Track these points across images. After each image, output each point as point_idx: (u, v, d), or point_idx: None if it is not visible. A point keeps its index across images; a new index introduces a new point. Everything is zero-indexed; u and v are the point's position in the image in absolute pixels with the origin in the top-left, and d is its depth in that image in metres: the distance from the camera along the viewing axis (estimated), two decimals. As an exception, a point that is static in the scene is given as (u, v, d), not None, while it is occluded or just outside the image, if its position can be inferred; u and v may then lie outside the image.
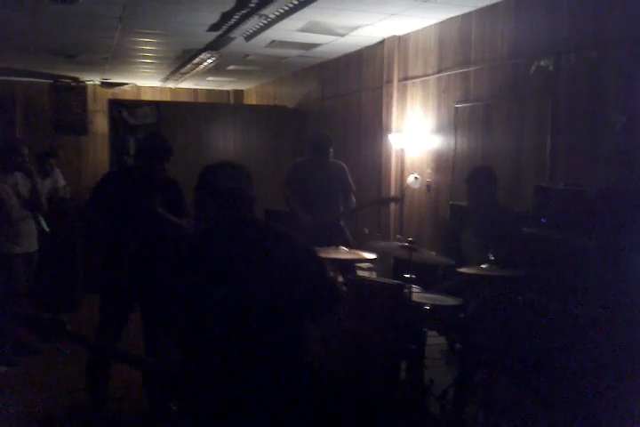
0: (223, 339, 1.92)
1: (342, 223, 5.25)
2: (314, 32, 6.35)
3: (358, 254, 4.17)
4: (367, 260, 4.43)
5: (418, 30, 6.18)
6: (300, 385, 2.00)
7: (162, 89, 11.60)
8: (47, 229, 5.02)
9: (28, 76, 10.19)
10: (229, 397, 1.90)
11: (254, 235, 2.01)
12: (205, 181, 2.07)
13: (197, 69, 8.67)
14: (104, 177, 4.03)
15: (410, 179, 6.15)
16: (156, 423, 3.59)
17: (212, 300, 1.90)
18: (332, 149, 5.15)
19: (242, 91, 12.27)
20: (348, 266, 4.76)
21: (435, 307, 3.59)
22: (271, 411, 1.92)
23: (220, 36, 6.56)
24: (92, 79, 10.77)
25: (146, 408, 3.75)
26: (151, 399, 3.73)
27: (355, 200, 5.30)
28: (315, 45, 7.13)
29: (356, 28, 6.13)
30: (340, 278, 4.25)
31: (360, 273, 5.53)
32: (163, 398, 3.75)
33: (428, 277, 4.29)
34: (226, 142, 9.16)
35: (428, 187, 6.08)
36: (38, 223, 4.84)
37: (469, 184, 4.05)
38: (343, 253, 4.08)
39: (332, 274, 2.23)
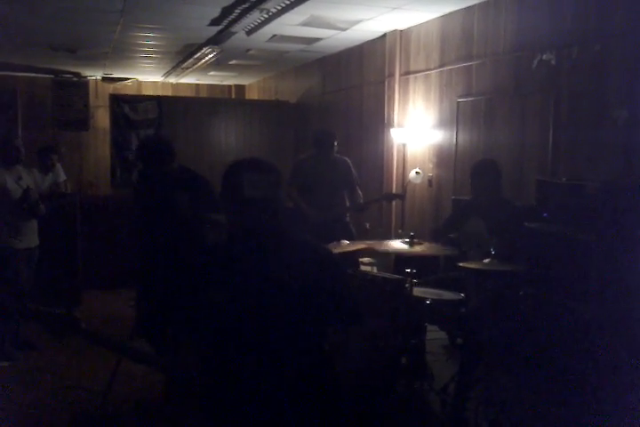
0: (237, 348, 1.91)
1: (348, 219, 5.24)
2: (315, 26, 6.32)
3: (359, 246, 4.14)
4: (368, 253, 4.40)
5: (420, 24, 6.15)
6: (316, 392, 1.99)
7: (163, 84, 11.57)
8: None
9: (30, 72, 10.17)
10: (244, 399, 1.90)
11: (271, 245, 1.94)
12: (226, 185, 1.94)
13: (199, 64, 8.65)
14: (133, 192, 4.11)
15: (411, 174, 6.13)
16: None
17: (225, 311, 1.89)
18: (336, 143, 5.13)
19: (243, 86, 12.24)
20: (351, 261, 4.75)
21: (436, 302, 3.58)
22: (281, 411, 1.92)
23: (222, 30, 6.54)
24: (94, 74, 10.75)
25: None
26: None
27: (361, 194, 5.28)
28: (316, 40, 7.10)
29: (357, 22, 6.11)
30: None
31: (361, 268, 5.52)
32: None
33: (430, 272, 4.28)
34: (227, 137, 9.15)
35: (430, 182, 6.06)
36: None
37: (473, 177, 4.01)
38: (346, 246, 4.06)
39: (353, 291, 2.16)
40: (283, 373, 1.91)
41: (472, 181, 4.03)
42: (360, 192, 5.25)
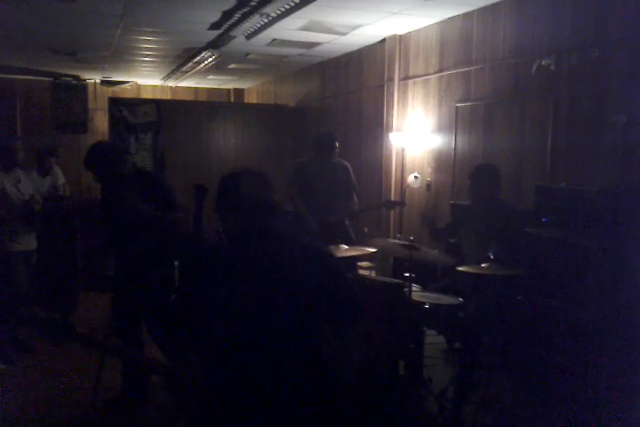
0: (239, 348, 1.93)
1: (347, 223, 5.24)
2: (315, 31, 6.34)
3: (359, 250, 4.15)
4: (368, 256, 4.40)
5: (419, 29, 6.17)
6: (315, 392, 2.00)
7: (162, 87, 11.58)
8: None
9: (29, 74, 10.17)
10: (244, 401, 1.92)
11: (272, 246, 1.98)
12: (222, 192, 2.02)
13: (198, 68, 8.66)
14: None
15: (410, 178, 6.15)
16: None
17: (228, 311, 1.91)
18: (337, 145, 5.13)
19: (242, 89, 12.26)
20: (349, 264, 4.75)
21: (434, 306, 3.58)
22: (281, 414, 1.93)
23: (221, 34, 6.55)
24: (93, 77, 10.76)
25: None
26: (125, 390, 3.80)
27: (356, 200, 5.29)
28: (315, 44, 7.12)
29: (356, 26, 6.12)
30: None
31: (360, 272, 5.52)
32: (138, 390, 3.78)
33: (428, 276, 4.28)
34: (226, 141, 9.15)
35: (429, 186, 6.07)
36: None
37: (472, 181, 4.03)
38: (344, 250, 4.07)
39: (353, 288, 2.17)
40: (282, 371, 1.92)
41: (471, 184, 4.04)
42: (356, 199, 5.26)
